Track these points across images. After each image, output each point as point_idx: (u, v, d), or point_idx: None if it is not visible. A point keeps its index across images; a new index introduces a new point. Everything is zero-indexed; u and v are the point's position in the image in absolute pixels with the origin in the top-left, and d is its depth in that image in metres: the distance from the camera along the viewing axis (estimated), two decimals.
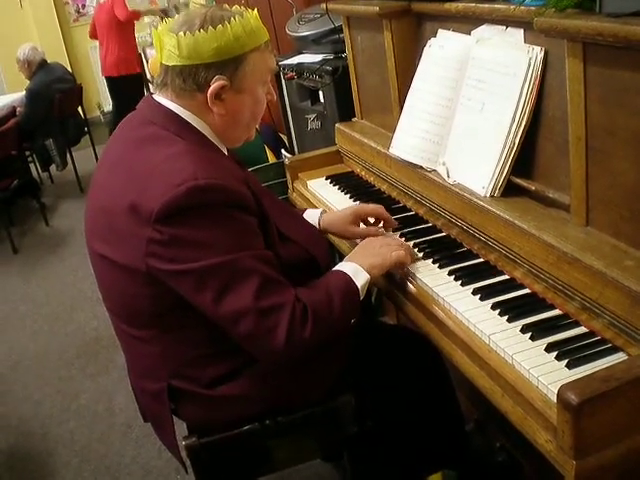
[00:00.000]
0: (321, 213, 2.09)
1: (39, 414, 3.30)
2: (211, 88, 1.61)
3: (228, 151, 1.77)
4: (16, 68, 6.51)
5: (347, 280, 1.68)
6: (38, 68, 6.37)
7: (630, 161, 1.42)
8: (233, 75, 1.62)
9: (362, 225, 2.07)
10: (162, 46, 1.63)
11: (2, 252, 5.44)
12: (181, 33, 1.59)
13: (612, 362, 1.34)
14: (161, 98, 1.67)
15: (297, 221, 1.94)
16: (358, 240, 2.03)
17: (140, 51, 8.01)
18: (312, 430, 1.78)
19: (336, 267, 1.75)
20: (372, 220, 2.08)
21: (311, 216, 2.08)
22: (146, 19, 7.89)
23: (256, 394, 1.67)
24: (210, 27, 1.58)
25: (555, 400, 1.25)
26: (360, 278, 1.69)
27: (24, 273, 5.01)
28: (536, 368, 1.38)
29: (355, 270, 1.71)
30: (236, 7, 1.68)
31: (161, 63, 1.66)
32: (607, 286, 1.41)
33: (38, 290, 4.69)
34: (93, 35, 7.54)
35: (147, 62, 7.81)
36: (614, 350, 1.39)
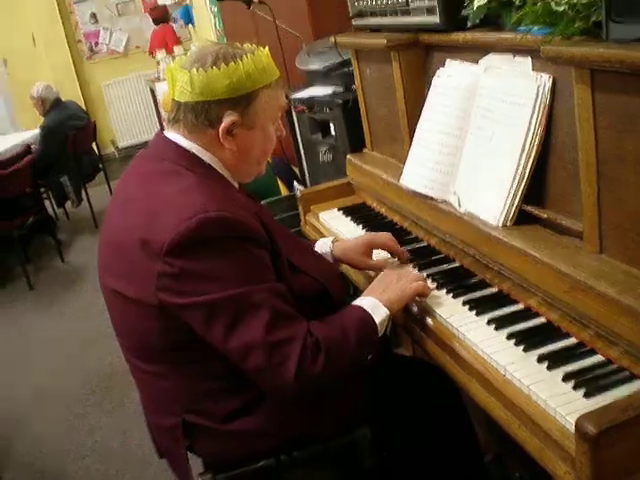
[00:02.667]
0: (332, 242, 2.09)
1: (55, 451, 3.29)
2: (223, 124, 1.62)
3: (239, 185, 1.77)
4: (29, 106, 6.59)
5: (364, 316, 1.67)
6: (52, 106, 6.45)
7: None
8: (244, 111, 1.63)
9: (374, 254, 2.06)
10: (174, 82, 1.65)
11: (18, 288, 5.47)
12: (194, 70, 1.60)
13: (630, 390, 1.32)
14: (172, 134, 1.69)
15: (309, 254, 1.94)
16: (371, 273, 2.03)
17: (149, 86, 8.12)
18: (328, 464, 1.77)
19: (354, 302, 1.74)
20: (384, 253, 2.07)
21: (322, 245, 2.08)
22: (158, 55, 7.98)
23: (271, 428, 1.66)
24: (222, 64, 1.60)
25: (573, 431, 1.24)
26: (379, 313, 1.68)
27: (39, 309, 5.03)
28: (553, 398, 1.36)
29: (374, 305, 1.70)
30: (247, 45, 1.70)
31: (173, 99, 1.68)
32: (622, 313, 1.39)
33: (53, 326, 4.70)
34: None
35: (155, 98, 7.88)
36: (631, 378, 1.36)
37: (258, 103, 1.65)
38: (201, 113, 1.63)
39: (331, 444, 1.73)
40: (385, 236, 2.09)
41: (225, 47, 1.67)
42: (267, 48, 1.71)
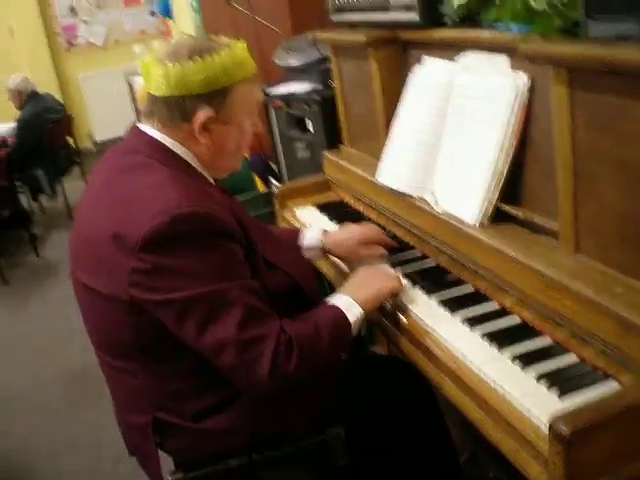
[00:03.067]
0: (323, 234, 2.07)
1: (27, 447, 3.26)
2: (198, 119, 1.61)
3: (215, 180, 1.75)
4: (5, 99, 6.51)
5: (339, 314, 1.66)
6: (29, 98, 6.39)
7: (617, 187, 1.41)
8: (220, 106, 1.61)
9: None
10: (150, 76, 1.63)
11: None
12: (169, 63, 1.58)
13: (604, 391, 1.32)
14: (147, 127, 1.67)
15: (285, 250, 1.92)
16: (345, 268, 2.02)
17: (127, 81, 8.06)
18: (301, 463, 1.75)
19: (329, 299, 1.72)
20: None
21: (310, 235, 2.07)
22: (136, 49, 7.92)
23: (243, 427, 1.64)
24: (198, 58, 1.58)
25: (546, 431, 1.23)
26: (353, 312, 1.67)
27: (14, 304, 4.98)
28: (527, 398, 1.36)
29: (348, 304, 1.68)
30: (225, 38, 1.68)
31: (148, 93, 1.65)
32: (597, 313, 1.39)
33: (27, 322, 4.66)
34: None
35: (133, 92, 7.82)
36: (605, 378, 1.37)
37: (234, 98, 1.63)
38: (176, 107, 1.61)
39: (304, 443, 1.71)
40: (379, 232, 2.10)
41: (201, 41, 1.65)
42: (244, 42, 1.69)
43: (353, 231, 2.08)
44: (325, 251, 2.07)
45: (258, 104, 1.74)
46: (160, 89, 1.61)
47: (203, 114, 1.60)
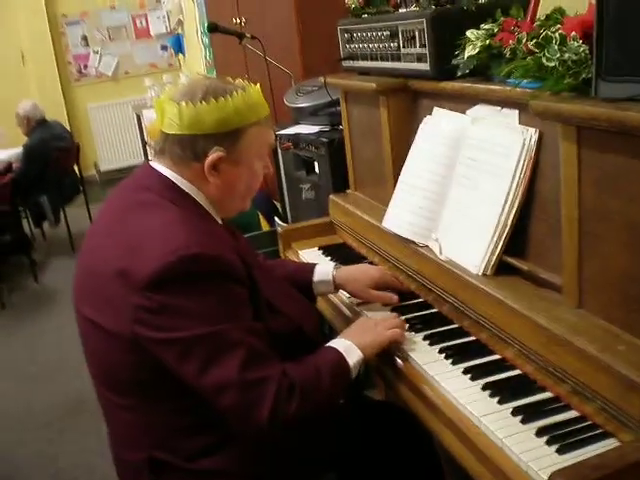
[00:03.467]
0: (335, 268, 2.08)
1: (18, 476, 3.23)
2: (208, 159, 1.62)
3: (222, 220, 1.76)
4: (13, 124, 6.55)
5: (339, 357, 1.66)
6: (37, 125, 6.42)
7: (622, 245, 1.42)
8: (231, 147, 1.63)
9: None
10: (163, 114, 1.65)
11: None
12: (183, 103, 1.60)
13: (603, 448, 1.32)
14: (158, 165, 1.68)
15: (288, 293, 1.92)
16: (348, 313, 2.02)
17: (136, 112, 8.12)
18: None
19: (329, 343, 1.72)
20: None
21: (323, 270, 2.08)
22: (146, 81, 7.99)
23: (238, 469, 1.63)
24: (212, 99, 1.60)
25: None
26: (353, 356, 1.67)
27: (10, 330, 4.96)
28: (526, 453, 1.35)
29: (348, 348, 1.69)
30: (239, 80, 1.71)
31: (161, 130, 1.67)
32: (599, 370, 1.39)
33: (23, 348, 4.63)
34: None
35: (141, 124, 7.87)
36: (605, 436, 1.36)
37: (245, 139, 1.65)
38: (187, 146, 1.63)
39: None
40: (391, 276, 2.11)
41: (216, 82, 1.67)
42: (258, 85, 1.72)
43: (368, 270, 2.10)
44: (336, 286, 2.07)
45: (270, 147, 1.76)
46: (173, 127, 1.63)
47: (214, 154, 1.62)
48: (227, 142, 1.63)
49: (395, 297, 2.03)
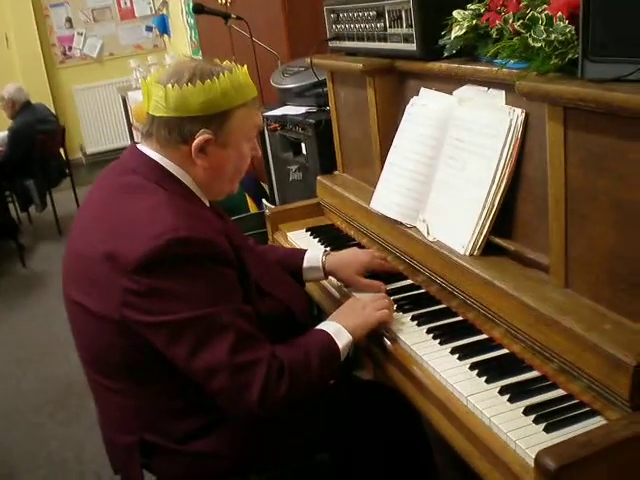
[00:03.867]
0: (324, 254, 2.08)
1: (8, 459, 3.22)
2: (196, 141, 1.61)
3: (210, 202, 1.76)
4: None
5: (328, 340, 1.67)
6: (22, 108, 6.37)
7: (608, 225, 1.43)
8: (218, 129, 1.62)
9: None
10: (150, 96, 1.64)
11: None
12: (169, 85, 1.59)
13: (590, 426, 1.33)
14: (145, 148, 1.68)
15: (277, 275, 1.92)
16: (336, 295, 2.03)
17: (121, 94, 8.07)
18: None
19: (319, 326, 1.73)
20: None
21: (312, 257, 2.07)
22: (132, 63, 7.93)
23: (229, 451, 1.64)
24: (198, 81, 1.59)
25: (533, 465, 1.24)
26: (342, 338, 1.68)
27: None
28: (514, 431, 1.37)
29: (337, 330, 1.69)
30: (226, 62, 1.70)
31: (148, 113, 1.66)
32: (586, 349, 1.40)
33: (11, 332, 4.62)
34: None
35: (127, 106, 7.83)
36: (592, 414, 1.38)
37: (233, 121, 1.64)
38: (174, 129, 1.62)
39: (290, 468, 1.72)
40: (379, 261, 2.10)
41: (203, 64, 1.66)
42: (245, 67, 1.71)
43: (357, 255, 2.09)
44: (326, 272, 2.07)
45: (257, 129, 1.75)
46: (159, 110, 1.62)
47: (201, 137, 1.62)
48: (214, 124, 1.62)
49: (383, 286, 2.02)
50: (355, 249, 2.18)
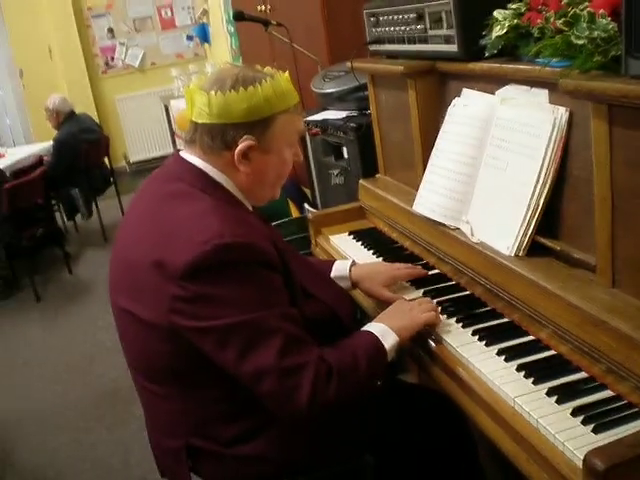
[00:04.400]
0: (351, 265, 2.08)
1: (55, 463, 3.28)
2: (239, 147, 1.63)
3: (253, 207, 1.77)
4: (44, 118, 6.63)
5: (375, 341, 1.67)
6: (66, 118, 6.48)
7: None
8: (261, 136, 1.63)
9: None
10: (193, 103, 1.65)
11: (25, 300, 5.47)
12: (212, 92, 1.61)
13: (639, 427, 1.31)
14: (188, 155, 1.69)
15: (321, 279, 1.93)
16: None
17: (163, 103, 8.17)
18: None
19: (364, 327, 1.73)
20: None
21: (341, 267, 2.08)
22: (173, 72, 8.03)
23: (276, 454, 1.65)
24: (241, 88, 1.60)
25: (581, 466, 1.23)
26: (388, 339, 1.68)
27: (46, 321, 5.03)
28: (562, 433, 1.35)
29: (383, 331, 1.69)
30: (268, 68, 1.71)
31: (191, 120, 1.68)
32: (634, 349, 1.38)
33: (59, 339, 4.70)
34: None
35: (169, 114, 7.92)
36: None
37: (275, 127, 1.65)
38: (217, 135, 1.64)
39: (335, 471, 1.71)
40: (406, 270, 2.09)
41: (245, 70, 1.67)
42: (287, 73, 1.72)
43: (381, 271, 2.08)
44: (352, 283, 2.07)
45: (299, 134, 1.76)
46: (202, 117, 1.64)
47: (244, 143, 1.63)
48: (257, 130, 1.63)
49: (406, 300, 2.00)
50: (379, 263, 2.17)
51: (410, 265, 2.11)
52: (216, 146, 1.64)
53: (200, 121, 1.65)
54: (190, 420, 1.66)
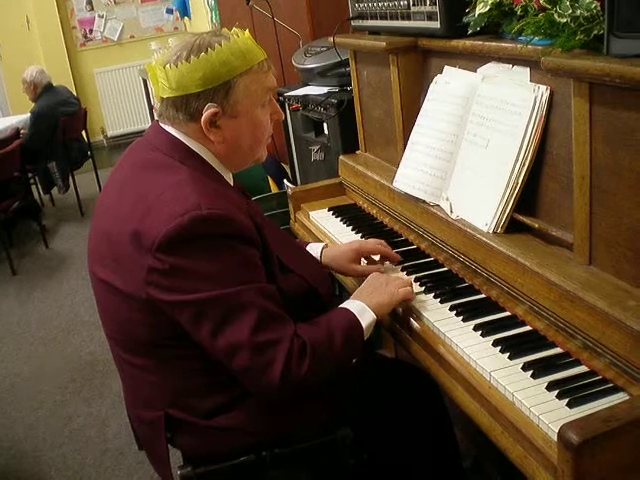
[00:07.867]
0: (322, 247, 2.08)
1: (32, 437, 3.28)
2: (203, 117, 1.60)
3: (234, 181, 1.76)
4: (21, 90, 6.55)
5: (352, 319, 1.66)
6: (44, 91, 6.41)
7: (634, 201, 1.42)
8: (224, 101, 1.61)
9: (363, 261, 2.06)
10: (156, 79, 1.64)
11: (1, 273, 5.44)
12: (167, 66, 1.59)
13: (613, 402, 1.33)
14: (166, 125, 1.68)
15: (299, 253, 1.93)
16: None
17: (142, 77, 8.09)
18: (309, 463, 1.76)
19: (342, 305, 1.73)
20: (376, 257, 2.08)
21: (313, 250, 2.07)
22: (152, 45, 7.94)
23: (253, 426, 1.66)
24: (193, 57, 1.58)
25: (556, 439, 1.24)
26: (366, 317, 1.68)
27: (22, 295, 5.00)
28: (537, 406, 1.37)
29: (361, 309, 1.69)
30: (224, 30, 1.67)
31: (159, 95, 1.67)
32: (609, 326, 1.40)
33: (35, 312, 4.68)
34: None
35: (147, 89, 7.85)
36: (615, 390, 1.38)
37: (238, 90, 1.61)
38: (181, 108, 1.62)
39: (313, 443, 1.73)
40: (374, 242, 2.09)
41: (203, 37, 1.63)
42: (247, 31, 1.68)
43: (347, 246, 2.07)
44: (324, 265, 2.06)
45: (272, 91, 1.71)
46: (165, 91, 1.62)
47: (208, 111, 1.60)
48: (219, 97, 1.60)
49: (382, 267, 2.02)
50: (352, 241, 2.15)
51: (383, 241, 2.10)
52: (183, 118, 1.63)
53: (164, 95, 1.63)
54: (169, 392, 1.66)
